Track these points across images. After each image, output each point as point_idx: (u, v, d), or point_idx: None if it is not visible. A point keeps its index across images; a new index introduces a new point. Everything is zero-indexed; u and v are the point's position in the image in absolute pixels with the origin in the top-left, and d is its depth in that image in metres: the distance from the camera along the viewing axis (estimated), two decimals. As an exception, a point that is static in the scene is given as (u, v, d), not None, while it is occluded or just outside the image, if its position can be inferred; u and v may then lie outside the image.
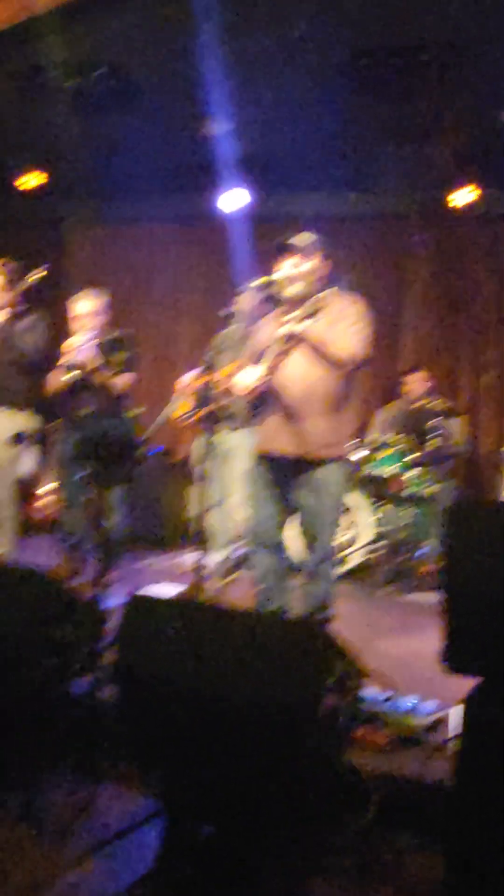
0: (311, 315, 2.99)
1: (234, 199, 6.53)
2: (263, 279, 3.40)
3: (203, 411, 3.16)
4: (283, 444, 3.43)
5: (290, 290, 3.41)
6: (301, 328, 3.03)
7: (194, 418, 4.62)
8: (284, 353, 3.31)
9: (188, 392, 4.60)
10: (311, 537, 3.47)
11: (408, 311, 6.72)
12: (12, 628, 2.40)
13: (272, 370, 3.30)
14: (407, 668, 3.34)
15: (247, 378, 3.43)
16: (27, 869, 1.98)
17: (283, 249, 3.42)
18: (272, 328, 3.56)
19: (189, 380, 4.41)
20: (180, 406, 4.73)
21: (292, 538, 3.74)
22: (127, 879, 1.98)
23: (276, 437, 3.46)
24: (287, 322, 3.05)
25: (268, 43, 4.50)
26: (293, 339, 3.13)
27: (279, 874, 2.03)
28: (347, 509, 5.14)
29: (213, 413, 4.11)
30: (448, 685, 2.15)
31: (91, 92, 5.16)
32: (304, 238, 3.44)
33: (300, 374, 3.38)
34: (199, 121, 5.58)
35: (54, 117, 5.57)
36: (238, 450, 4.70)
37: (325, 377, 3.36)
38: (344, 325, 3.35)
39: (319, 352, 3.28)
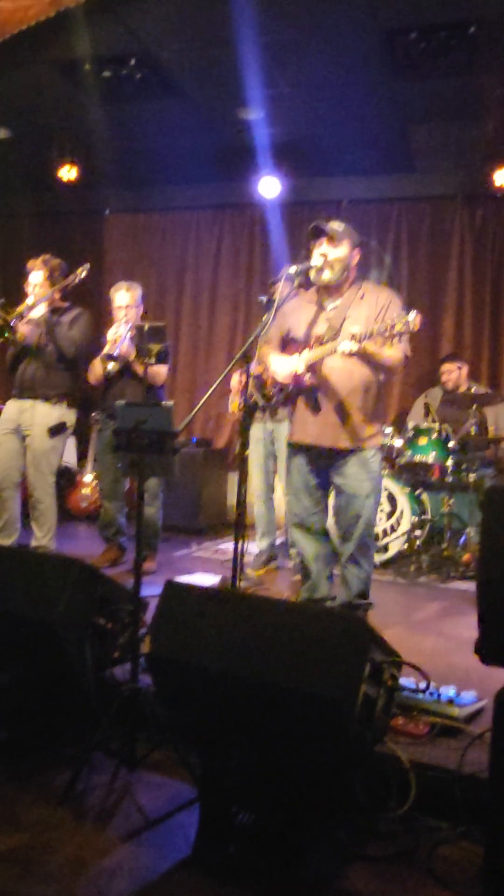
0: (344, 319, 3.03)
1: (272, 185, 6.49)
2: (299, 266, 3.38)
3: (247, 401, 3.18)
4: (320, 434, 3.44)
5: (322, 277, 3.41)
6: (346, 347, 3.11)
7: (240, 409, 4.64)
8: (325, 353, 3.32)
9: (240, 389, 4.64)
10: (349, 525, 3.46)
11: (448, 295, 6.60)
12: (55, 616, 2.44)
13: (312, 368, 3.32)
14: (447, 657, 3.33)
15: (283, 369, 3.42)
16: (67, 851, 2.02)
17: (317, 235, 3.40)
18: (306, 314, 3.53)
19: (240, 379, 4.50)
20: (234, 403, 4.85)
21: (332, 526, 3.73)
22: (165, 864, 2.01)
23: (313, 427, 3.46)
24: (325, 322, 3.10)
25: (301, 27, 4.45)
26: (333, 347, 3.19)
27: (317, 860, 2.03)
28: (391, 497, 5.11)
29: (254, 402, 4.12)
30: (488, 675, 2.13)
31: (127, 82, 5.18)
32: (336, 225, 3.42)
33: (341, 368, 3.38)
34: (236, 108, 5.55)
35: (91, 109, 5.61)
36: (282, 439, 4.69)
37: (365, 373, 3.40)
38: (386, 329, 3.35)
39: (366, 362, 3.33)
